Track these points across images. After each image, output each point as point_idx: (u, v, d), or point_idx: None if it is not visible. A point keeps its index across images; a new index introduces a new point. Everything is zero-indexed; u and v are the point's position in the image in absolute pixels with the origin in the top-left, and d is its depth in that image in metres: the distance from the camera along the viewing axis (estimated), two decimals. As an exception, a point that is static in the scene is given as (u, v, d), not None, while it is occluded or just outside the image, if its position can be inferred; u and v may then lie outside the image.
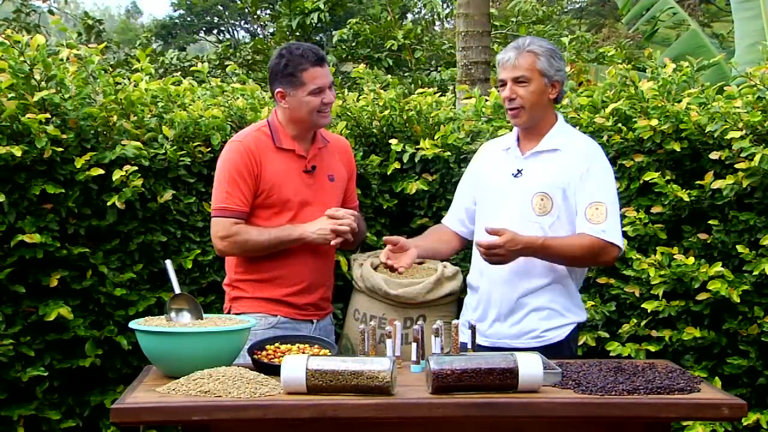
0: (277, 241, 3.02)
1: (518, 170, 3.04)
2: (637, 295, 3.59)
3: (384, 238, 3.10)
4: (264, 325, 3.04)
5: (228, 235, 3.01)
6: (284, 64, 3.04)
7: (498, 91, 3.21)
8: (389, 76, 5.32)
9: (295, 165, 3.09)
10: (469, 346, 2.75)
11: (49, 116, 3.36)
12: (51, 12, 11.78)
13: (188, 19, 22.34)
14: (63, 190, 3.35)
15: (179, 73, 9.12)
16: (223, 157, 3.10)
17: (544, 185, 2.97)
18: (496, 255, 2.89)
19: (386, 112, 3.90)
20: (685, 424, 3.51)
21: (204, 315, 2.76)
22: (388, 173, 3.82)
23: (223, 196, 3.02)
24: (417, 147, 3.81)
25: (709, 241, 3.58)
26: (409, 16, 14.08)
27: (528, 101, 2.97)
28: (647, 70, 3.96)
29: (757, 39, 6.34)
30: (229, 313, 3.11)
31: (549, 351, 2.87)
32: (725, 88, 3.81)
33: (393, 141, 3.82)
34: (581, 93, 3.90)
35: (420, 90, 4.19)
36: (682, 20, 7.67)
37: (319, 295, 3.16)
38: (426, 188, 3.78)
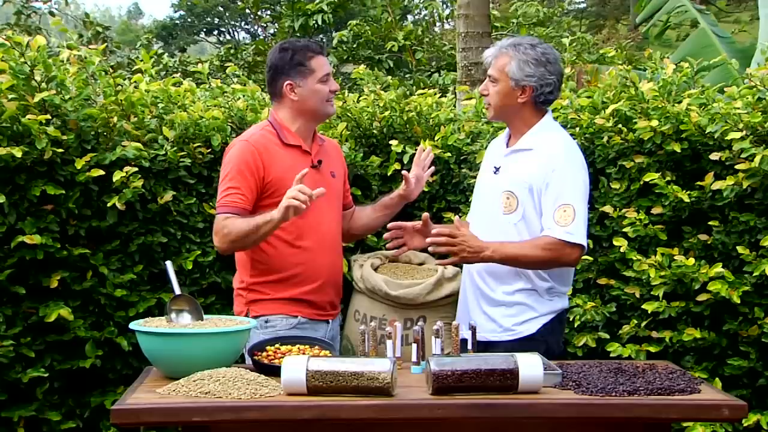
0: (255, 226, 2.90)
1: (497, 167, 3.07)
2: (638, 296, 3.59)
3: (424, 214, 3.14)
4: (286, 326, 3.03)
5: (218, 230, 2.97)
6: (291, 56, 3.06)
7: None
8: (390, 77, 5.31)
9: (301, 160, 3.08)
10: (470, 347, 2.75)
11: (50, 117, 3.36)
12: (52, 14, 11.75)
13: (189, 20, 22.38)
14: (63, 191, 3.35)
15: (179, 74, 9.11)
16: (228, 155, 3.07)
17: (511, 183, 2.99)
18: (452, 245, 2.93)
19: (387, 113, 3.90)
20: (685, 425, 3.51)
21: (204, 316, 2.76)
22: (389, 174, 3.82)
23: (223, 194, 3.00)
24: (417, 148, 3.81)
25: (709, 242, 3.58)
26: (410, 17, 14.06)
27: (493, 100, 3.04)
28: (647, 71, 3.96)
29: None
30: (247, 315, 3.06)
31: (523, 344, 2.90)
32: (725, 88, 3.80)
33: (393, 142, 3.82)
34: (581, 94, 3.90)
35: (420, 91, 4.19)
36: (691, 18, 7.55)
37: (334, 292, 3.17)
38: (426, 189, 3.77)
